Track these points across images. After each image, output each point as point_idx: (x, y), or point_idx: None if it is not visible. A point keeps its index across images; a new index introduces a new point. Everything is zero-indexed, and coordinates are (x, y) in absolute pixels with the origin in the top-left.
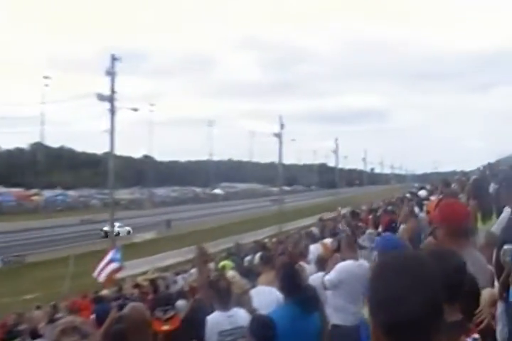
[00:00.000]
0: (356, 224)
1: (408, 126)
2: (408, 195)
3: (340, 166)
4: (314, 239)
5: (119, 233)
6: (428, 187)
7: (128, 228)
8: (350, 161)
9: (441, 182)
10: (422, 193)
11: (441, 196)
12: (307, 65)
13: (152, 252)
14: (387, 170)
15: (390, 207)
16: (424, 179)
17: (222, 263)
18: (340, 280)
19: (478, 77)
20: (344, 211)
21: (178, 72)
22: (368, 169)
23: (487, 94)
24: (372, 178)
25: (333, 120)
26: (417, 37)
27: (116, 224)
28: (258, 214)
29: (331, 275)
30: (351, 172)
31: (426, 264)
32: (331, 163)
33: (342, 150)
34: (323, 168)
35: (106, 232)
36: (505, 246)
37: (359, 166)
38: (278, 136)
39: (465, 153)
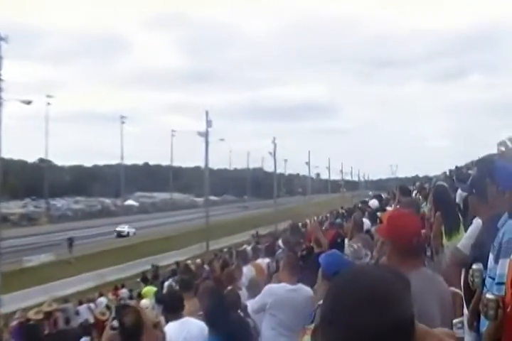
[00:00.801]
0: (298, 241)
1: (361, 124)
2: (361, 205)
3: (279, 171)
4: (247, 259)
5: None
6: (384, 195)
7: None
8: (292, 165)
9: (398, 189)
10: (374, 203)
11: (398, 206)
12: (239, 49)
13: (49, 279)
14: (335, 176)
15: (338, 220)
16: (380, 186)
17: (144, 290)
18: (263, 305)
19: (445, 63)
20: (284, 225)
21: (82, 56)
22: (312, 175)
23: (455, 85)
24: (318, 186)
25: (271, 116)
26: (371, 16)
27: None
28: (180, 229)
29: (255, 299)
30: (293, 178)
31: (381, 285)
32: (269, 168)
33: (281, 152)
34: (258, 174)
35: None
36: (475, 266)
37: (302, 171)
38: (203, 135)
39: (428, 155)
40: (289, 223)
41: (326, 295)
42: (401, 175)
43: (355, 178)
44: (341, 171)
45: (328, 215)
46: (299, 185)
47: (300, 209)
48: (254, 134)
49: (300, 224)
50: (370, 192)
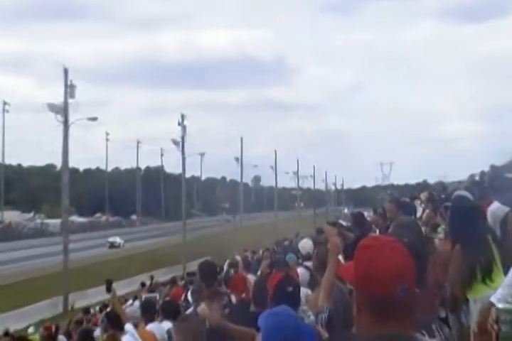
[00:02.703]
0: (215, 292)
1: (335, 98)
2: (329, 228)
3: (191, 174)
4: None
5: None
6: (367, 214)
7: None
8: (213, 162)
9: (392, 201)
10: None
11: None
12: None
13: None
14: (288, 183)
15: (290, 256)
16: (364, 198)
17: None
18: None
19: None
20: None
21: None
22: (247, 180)
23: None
24: (258, 198)
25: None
26: None
27: None
28: (26, 273)
29: None
30: (213, 185)
31: None
32: (171, 168)
33: (194, 138)
34: (151, 175)
35: None
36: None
37: (231, 173)
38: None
39: (443, 148)
40: (203, 261)
41: None
42: (397, 180)
43: (322, 186)
44: (295, 173)
45: (273, 247)
46: (224, 196)
47: (224, 238)
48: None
49: (227, 261)
50: (346, 209)
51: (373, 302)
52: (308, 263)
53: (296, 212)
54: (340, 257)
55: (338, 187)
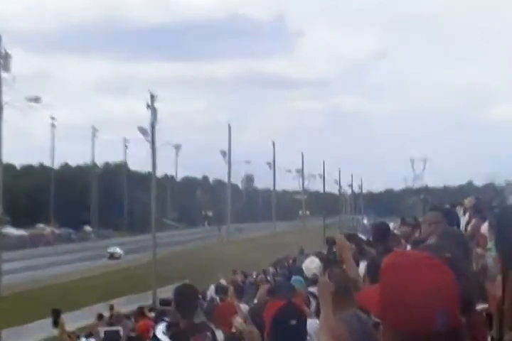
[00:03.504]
0: (197, 330)
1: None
2: (341, 237)
3: (164, 173)
4: None
5: None
6: (394, 225)
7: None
8: (194, 162)
9: (435, 209)
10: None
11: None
12: None
13: None
14: (290, 185)
15: (297, 278)
16: (389, 204)
17: None
18: None
19: None
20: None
21: None
22: (236, 180)
23: None
24: (253, 204)
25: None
26: None
27: None
28: None
29: None
30: (192, 185)
31: None
32: (135, 165)
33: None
34: (110, 174)
35: None
36: None
37: (217, 173)
38: None
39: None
40: (181, 285)
41: None
42: (433, 181)
43: (334, 188)
44: (300, 172)
45: (273, 268)
46: (206, 202)
47: (207, 257)
48: None
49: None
50: (366, 219)
51: (406, 339)
52: (315, 289)
53: (300, 223)
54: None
55: (356, 190)
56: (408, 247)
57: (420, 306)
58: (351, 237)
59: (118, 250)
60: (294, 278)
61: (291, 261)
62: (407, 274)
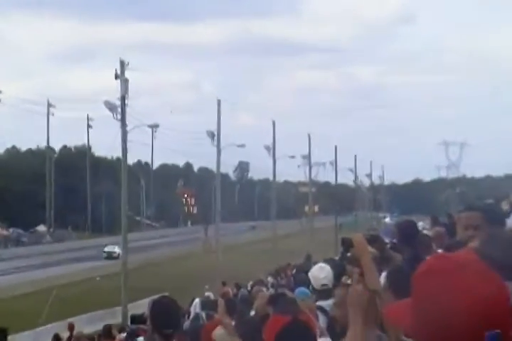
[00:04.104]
0: None
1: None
2: (359, 236)
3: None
4: None
5: None
6: (423, 225)
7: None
8: (174, 145)
9: (472, 208)
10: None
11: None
12: None
13: None
14: (288, 173)
15: (303, 291)
16: (419, 198)
17: None
18: None
19: None
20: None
21: None
22: (231, 171)
23: None
24: (247, 198)
25: None
26: None
27: None
28: None
29: None
30: (170, 173)
31: None
32: (101, 149)
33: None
34: (70, 160)
35: None
36: None
37: (203, 159)
38: None
39: None
40: (158, 299)
41: None
42: (472, 170)
43: (349, 179)
44: (306, 158)
45: (268, 280)
46: (190, 195)
47: (190, 265)
48: None
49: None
50: (388, 218)
51: None
52: (325, 303)
53: (306, 222)
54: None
55: (376, 181)
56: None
57: (464, 324)
58: (373, 239)
59: (116, 249)
60: (298, 289)
61: (294, 270)
62: (449, 282)
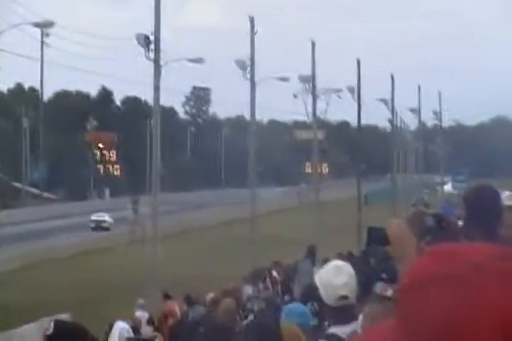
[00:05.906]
0: None
1: None
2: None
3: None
4: None
5: None
6: (509, 193)
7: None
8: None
9: None
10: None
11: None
12: None
13: None
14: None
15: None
16: (498, 151)
17: None
18: None
19: None
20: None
21: None
22: (178, 105)
23: None
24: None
25: None
26: None
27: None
28: None
29: None
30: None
31: None
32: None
33: None
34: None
35: None
36: None
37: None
38: None
39: None
40: (56, 323)
41: None
42: None
43: (384, 119)
44: (306, 80)
45: (244, 289)
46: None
47: (110, 266)
48: None
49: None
50: (449, 184)
51: None
52: (342, 330)
53: (307, 191)
54: None
55: (429, 122)
56: None
57: (488, 337)
58: (434, 228)
59: (107, 218)
60: (289, 306)
61: (283, 276)
62: (456, 294)
